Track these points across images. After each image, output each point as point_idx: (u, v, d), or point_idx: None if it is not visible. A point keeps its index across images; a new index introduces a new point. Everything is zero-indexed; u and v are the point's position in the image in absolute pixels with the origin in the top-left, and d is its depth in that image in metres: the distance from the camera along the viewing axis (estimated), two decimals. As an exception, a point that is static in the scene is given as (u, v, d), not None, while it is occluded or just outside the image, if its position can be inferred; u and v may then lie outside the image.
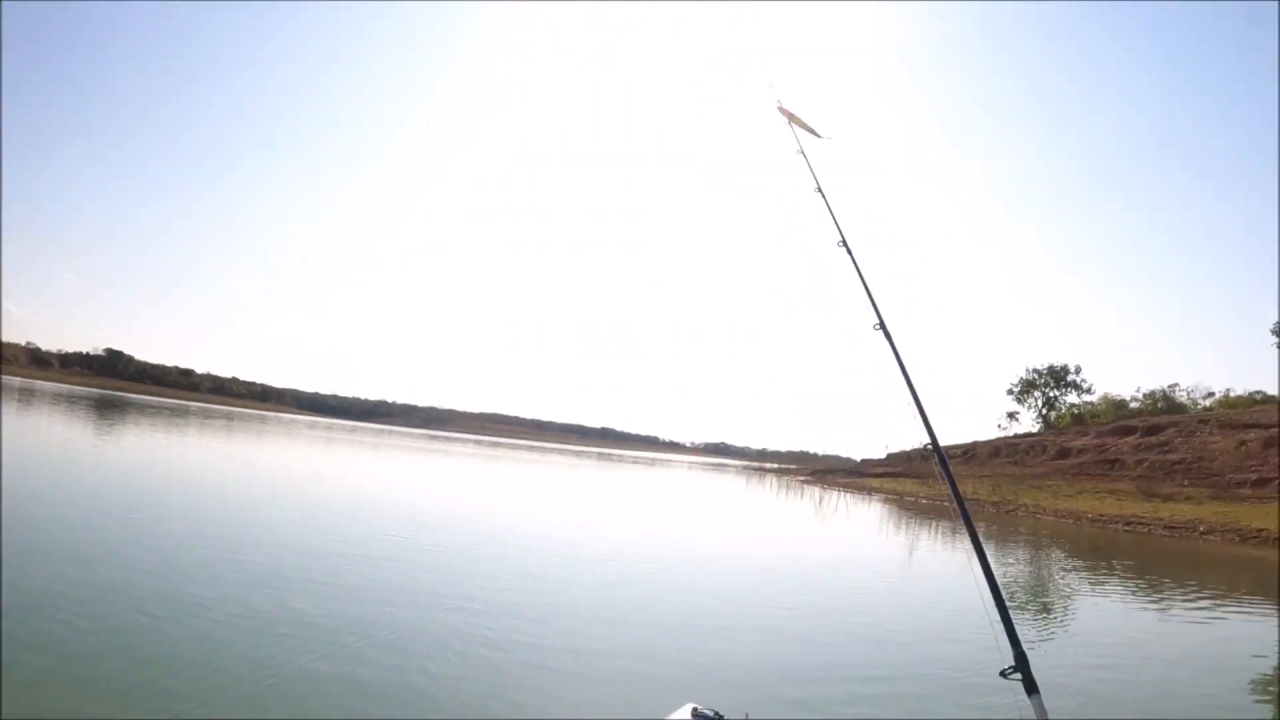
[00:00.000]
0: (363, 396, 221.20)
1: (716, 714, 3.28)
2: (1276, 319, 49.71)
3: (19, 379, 63.05)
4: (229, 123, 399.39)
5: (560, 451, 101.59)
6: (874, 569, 16.18)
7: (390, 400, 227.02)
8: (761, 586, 11.53)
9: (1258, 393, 60.24)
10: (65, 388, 66.72)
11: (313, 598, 7.37)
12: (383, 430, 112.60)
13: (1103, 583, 16.16)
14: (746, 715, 3.35)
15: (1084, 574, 17.66)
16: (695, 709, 3.30)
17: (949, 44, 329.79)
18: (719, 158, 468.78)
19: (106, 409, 48.97)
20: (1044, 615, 11.57)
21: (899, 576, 15.36)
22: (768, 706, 5.49)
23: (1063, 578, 16.71)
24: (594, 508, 24.12)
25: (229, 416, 74.38)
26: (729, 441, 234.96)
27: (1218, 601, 14.33)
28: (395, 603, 7.55)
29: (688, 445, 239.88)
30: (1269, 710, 7.52)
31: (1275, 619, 13.07)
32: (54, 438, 23.36)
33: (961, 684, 6.83)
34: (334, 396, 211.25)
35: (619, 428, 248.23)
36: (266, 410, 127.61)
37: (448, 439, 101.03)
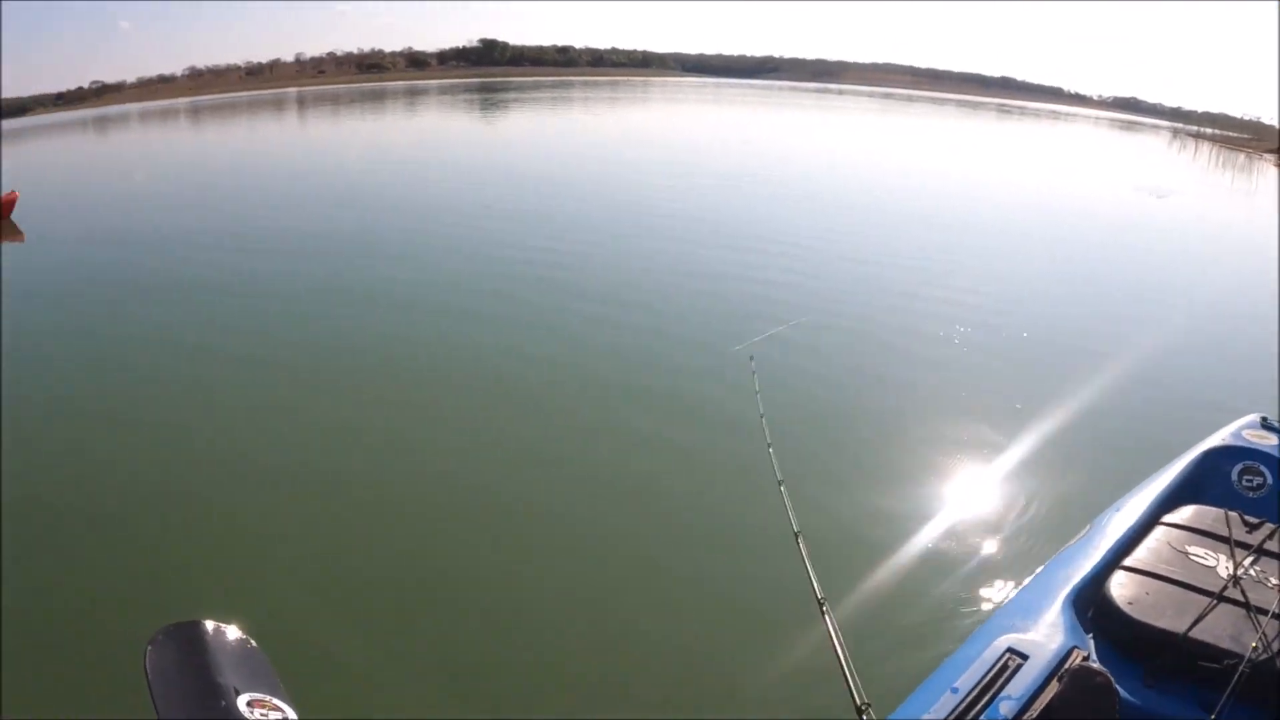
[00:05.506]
0: (748, 54, 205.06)
1: None
2: None
3: (402, 82, 64.13)
4: None
5: (957, 104, 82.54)
6: None
7: (777, 55, 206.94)
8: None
9: None
10: (446, 82, 66.75)
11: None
12: (769, 86, 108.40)
13: None
14: None
15: None
16: (1264, 419, 3.12)
17: None
18: None
19: (489, 93, 47.39)
20: None
21: None
22: None
23: None
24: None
25: (613, 85, 69.37)
26: (1140, 97, 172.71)
27: None
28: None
29: (1094, 99, 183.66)
30: None
31: None
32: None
33: None
34: (718, 56, 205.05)
35: (1019, 77, 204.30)
36: (650, 76, 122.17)
37: (839, 92, 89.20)
